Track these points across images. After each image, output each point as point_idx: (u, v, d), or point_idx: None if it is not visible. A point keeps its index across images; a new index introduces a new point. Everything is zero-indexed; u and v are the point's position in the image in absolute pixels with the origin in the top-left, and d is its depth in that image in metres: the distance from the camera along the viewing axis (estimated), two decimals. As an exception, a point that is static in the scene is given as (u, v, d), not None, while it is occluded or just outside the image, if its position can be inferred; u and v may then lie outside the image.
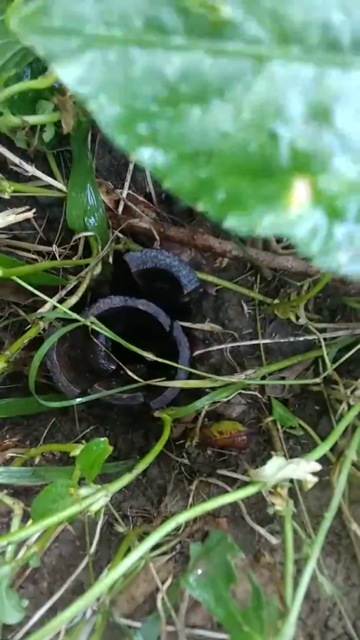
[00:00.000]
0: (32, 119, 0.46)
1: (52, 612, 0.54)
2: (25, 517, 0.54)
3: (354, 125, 0.15)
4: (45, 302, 0.56)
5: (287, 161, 0.15)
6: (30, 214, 0.46)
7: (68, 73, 0.14)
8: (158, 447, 0.48)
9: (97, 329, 0.48)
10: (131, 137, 0.14)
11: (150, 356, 0.52)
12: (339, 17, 0.14)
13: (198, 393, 0.63)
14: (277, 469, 0.34)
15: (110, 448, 0.43)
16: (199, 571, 0.34)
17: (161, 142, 0.15)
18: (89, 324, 0.49)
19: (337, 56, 0.15)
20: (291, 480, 0.39)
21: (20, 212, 0.45)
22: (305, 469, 0.35)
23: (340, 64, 0.15)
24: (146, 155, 0.15)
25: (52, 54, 0.13)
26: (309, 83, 0.15)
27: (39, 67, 0.53)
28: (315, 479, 0.34)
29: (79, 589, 0.56)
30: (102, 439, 0.43)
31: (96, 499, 0.41)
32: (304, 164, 0.16)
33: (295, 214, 0.16)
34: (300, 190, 0.16)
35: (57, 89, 0.45)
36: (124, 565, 0.38)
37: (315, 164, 0.15)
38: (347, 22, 0.14)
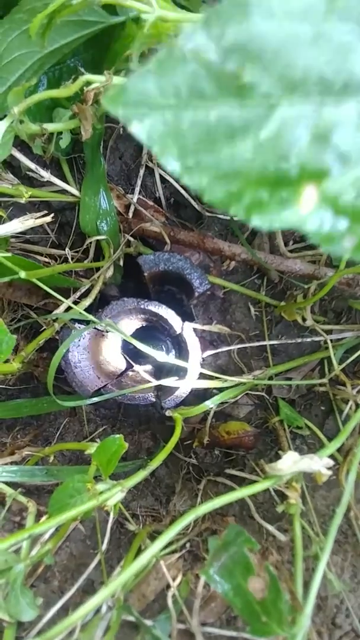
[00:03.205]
0: (51, 127, 0.47)
1: (64, 610, 0.54)
2: (38, 515, 0.55)
3: (347, 143, 0.21)
4: (58, 304, 0.57)
5: (296, 173, 0.21)
6: (48, 219, 0.47)
7: (139, 130, 0.21)
8: (170, 444, 0.49)
9: (111, 330, 0.50)
10: (182, 168, 0.21)
11: (162, 357, 0.53)
12: (330, 69, 0.20)
13: (205, 394, 0.64)
14: (292, 462, 0.36)
15: (126, 445, 0.44)
16: (218, 563, 0.35)
17: (202, 168, 0.21)
18: (104, 325, 0.50)
19: (330, 96, 0.21)
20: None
21: (39, 217, 0.46)
22: (319, 463, 0.36)
23: (333, 101, 0.21)
24: (191, 180, 0.21)
25: (128, 119, 0.20)
26: (310, 116, 0.21)
27: (55, 75, 0.55)
28: (329, 472, 0.36)
29: (90, 588, 0.57)
30: (118, 435, 0.44)
31: (112, 494, 0.41)
32: (311, 174, 0.21)
33: (307, 212, 0.21)
34: (308, 193, 0.21)
35: (78, 98, 0.46)
36: (141, 560, 0.38)
37: (319, 172, 0.21)
38: (337, 72, 0.20)
